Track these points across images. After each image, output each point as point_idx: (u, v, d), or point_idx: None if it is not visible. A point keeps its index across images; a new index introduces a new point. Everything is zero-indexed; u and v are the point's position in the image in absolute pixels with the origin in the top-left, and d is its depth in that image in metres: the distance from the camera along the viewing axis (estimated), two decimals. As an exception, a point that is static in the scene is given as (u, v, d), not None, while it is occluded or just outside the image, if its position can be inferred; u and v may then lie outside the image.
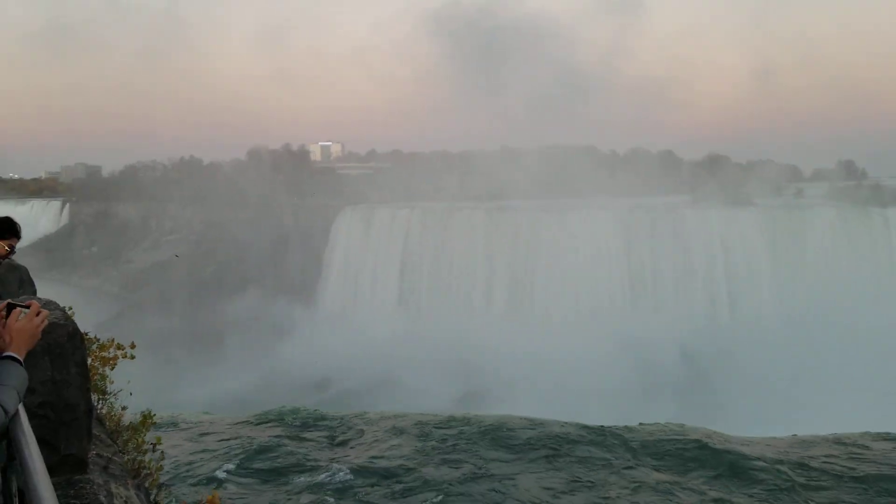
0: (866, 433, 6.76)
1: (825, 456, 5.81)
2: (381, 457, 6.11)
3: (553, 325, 41.67)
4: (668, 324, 41.06)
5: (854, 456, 5.85)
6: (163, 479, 4.80)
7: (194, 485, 5.92)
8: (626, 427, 6.83)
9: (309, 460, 6.10)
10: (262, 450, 6.40)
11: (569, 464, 5.79)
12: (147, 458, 4.35)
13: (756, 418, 26.26)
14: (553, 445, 6.28)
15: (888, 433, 6.59)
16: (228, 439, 6.83)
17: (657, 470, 5.72)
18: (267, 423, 7.40)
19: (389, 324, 44.75)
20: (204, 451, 6.80)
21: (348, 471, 5.76)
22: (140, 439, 4.53)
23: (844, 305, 39.35)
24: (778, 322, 40.11)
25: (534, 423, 7.00)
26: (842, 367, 32.95)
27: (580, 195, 50.62)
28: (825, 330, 37.46)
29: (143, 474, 4.23)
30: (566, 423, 6.81)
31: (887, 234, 43.01)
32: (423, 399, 35.06)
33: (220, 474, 6.12)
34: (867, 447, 6.12)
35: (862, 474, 5.44)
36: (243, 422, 7.45)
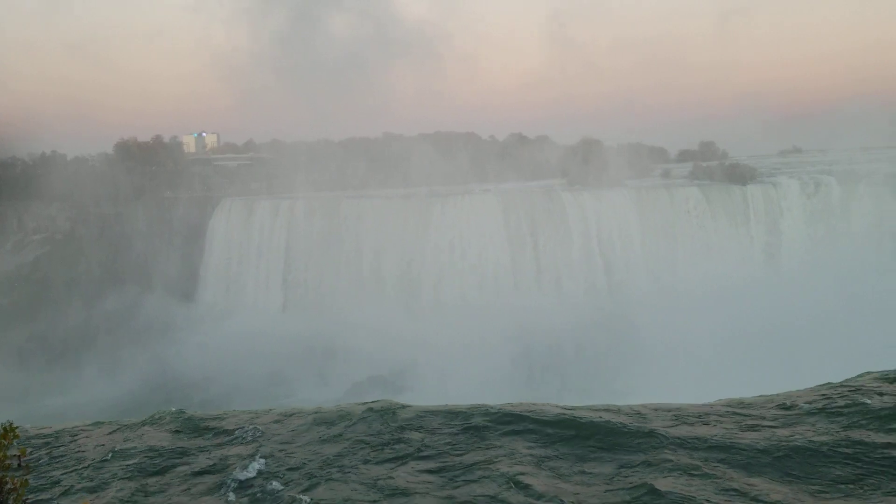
0: (725, 399, 7.25)
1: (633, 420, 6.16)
2: (277, 455, 5.99)
3: (442, 311, 42.18)
4: (551, 302, 42.57)
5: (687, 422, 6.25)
6: (29, 495, 4.51)
7: (69, 497, 5.61)
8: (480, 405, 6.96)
9: (195, 463, 5.89)
10: (144, 455, 6.14)
11: (421, 449, 5.88)
12: (10, 474, 4.05)
13: (637, 387, 27.69)
14: (425, 430, 6.35)
15: (741, 399, 7.09)
16: (104, 445, 6.50)
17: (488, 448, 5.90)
18: (147, 426, 7.10)
19: (275, 318, 43.89)
20: (79, 460, 6.45)
21: (240, 472, 5.61)
22: (2, 454, 4.21)
23: (710, 274, 42.22)
24: (652, 295, 42.45)
25: (423, 411, 7.06)
26: (710, 328, 35.15)
27: (463, 181, 51.31)
28: (695, 298, 40.02)
29: (5, 491, 3.95)
30: (435, 408, 6.90)
31: (745, 209, 46.39)
32: (314, 391, 34.73)
33: (97, 483, 5.83)
34: (710, 413, 6.56)
35: (689, 436, 5.79)
36: (121, 426, 7.10)
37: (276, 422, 6.87)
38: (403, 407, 6.82)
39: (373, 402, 6.92)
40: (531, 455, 5.62)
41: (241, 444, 6.42)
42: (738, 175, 49.86)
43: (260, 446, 6.26)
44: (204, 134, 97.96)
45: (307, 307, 44.74)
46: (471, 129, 65.18)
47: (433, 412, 6.60)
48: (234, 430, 6.77)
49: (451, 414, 6.68)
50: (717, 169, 53.26)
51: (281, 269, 47.47)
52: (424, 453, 5.88)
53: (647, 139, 64.35)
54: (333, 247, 46.25)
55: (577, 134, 59.87)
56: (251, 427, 6.75)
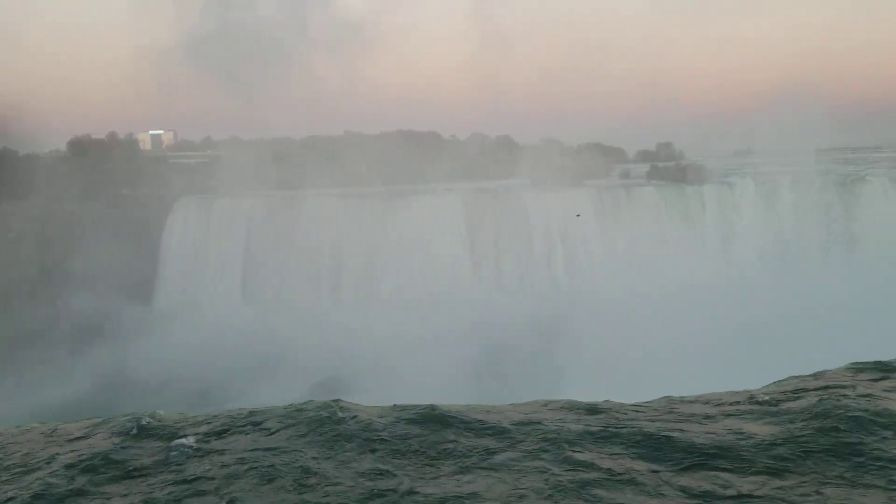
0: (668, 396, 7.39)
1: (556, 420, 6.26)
2: (241, 458, 5.91)
3: (403, 309, 42.19)
4: (512, 301, 42.93)
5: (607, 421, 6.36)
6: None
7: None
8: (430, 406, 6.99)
9: (139, 468, 5.81)
10: (88, 461, 6.02)
11: (366, 450, 5.90)
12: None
13: (596, 385, 27.97)
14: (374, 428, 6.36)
15: (683, 396, 7.21)
16: (45, 451, 6.36)
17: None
18: (102, 431, 6.97)
19: (235, 318, 43.37)
20: (25, 467, 6.30)
21: (200, 477, 5.54)
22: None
23: (668, 273, 42.98)
24: (612, 294, 43.04)
25: (383, 410, 7.06)
26: (667, 327, 35.79)
27: (425, 180, 51.39)
28: (653, 296, 40.71)
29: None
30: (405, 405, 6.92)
31: (702, 208, 47.33)
32: (274, 392, 34.43)
33: (34, 492, 5.69)
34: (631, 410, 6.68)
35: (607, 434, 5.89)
36: (66, 431, 6.95)
37: (232, 425, 6.81)
38: (350, 407, 6.81)
39: (320, 401, 6.90)
40: (472, 457, 5.67)
41: (192, 448, 6.34)
42: (695, 175, 50.86)
43: (209, 450, 6.18)
44: (161, 132, 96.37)
45: (267, 307, 44.31)
46: (433, 129, 65.28)
47: (381, 412, 6.61)
48: (186, 433, 6.68)
49: (399, 413, 6.69)
50: (674, 169, 54.24)
51: (240, 269, 46.98)
52: (369, 455, 5.89)
53: (606, 140, 65.19)
54: (293, 246, 45.92)
55: (537, 134, 60.30)
56: (204, 430, 6.68)
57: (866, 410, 6.32)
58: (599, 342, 36.16)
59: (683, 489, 5.07)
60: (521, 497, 4.97)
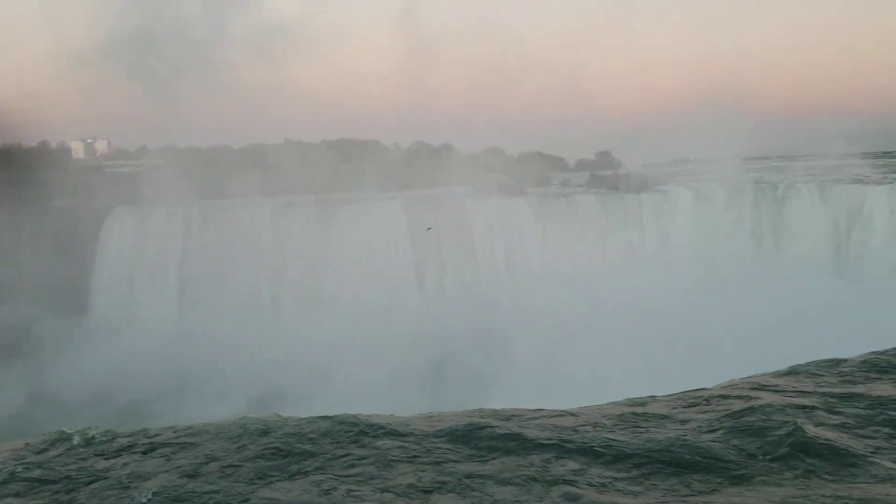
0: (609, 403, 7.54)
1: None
2: (173, 480, 5.78)
3: (345, 318, 41.84)
4: (455, 310, 43.01)
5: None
6: None
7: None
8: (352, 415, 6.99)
9: (77, 486, 5.63)
10: (12, 483, 5.81)
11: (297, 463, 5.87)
12: None
13: (535, 394, 28.24)
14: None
15: (630, 399, 7.35)
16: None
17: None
18: (30, 451, 6.71)
19: (171, 330, 42.35)
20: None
21: (130, 491, 5.37)
22: None
23: (607, 281, 43.73)
24: (553, 302, 43.54)
25: (304, 422, 6.99)
26: (607, 335, 36.33)
27: (367, 189, 51.16)
28: (593, 305, 41.32)
29: None
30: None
31: (639, 216, 48.36)
32: (213, 405, 33.74)
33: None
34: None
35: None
36: (6, 452, 6.68)
37: (169, 439, 6.65)
38: (282, 419, 6.73)
39: (254, 417, 6.81)
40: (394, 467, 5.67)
41: (134, 466, 6.17)
42: (633, 183, 51.95)
43: (141, 466, 6.02)
44: (94, 140, 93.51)
45: (205, 318, 43.37)
46: (374, 137, 65.13)
47: (310, 423, 6.55)
48: (116, 450, 6.50)
49: (330, 424, 6.64)
50: (613, 178, 55.25)
51: (177, 280, 45.90)
52: (299, 468, 5.82)
53: (547, 149, 65.99)
54: (231, 256, 45.10)
55: (479, 143, 60.67)
56: (148, 445, 6.51)
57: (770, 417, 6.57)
58: (540, 351, 36.51)
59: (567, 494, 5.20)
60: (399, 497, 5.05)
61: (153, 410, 33.37)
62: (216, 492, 5.43)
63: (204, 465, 5.95)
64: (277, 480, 5.46)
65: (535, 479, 5.33)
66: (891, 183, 47.35)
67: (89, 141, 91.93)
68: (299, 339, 38.72)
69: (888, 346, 9.45)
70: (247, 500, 5.31)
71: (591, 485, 5.26)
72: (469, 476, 5.44)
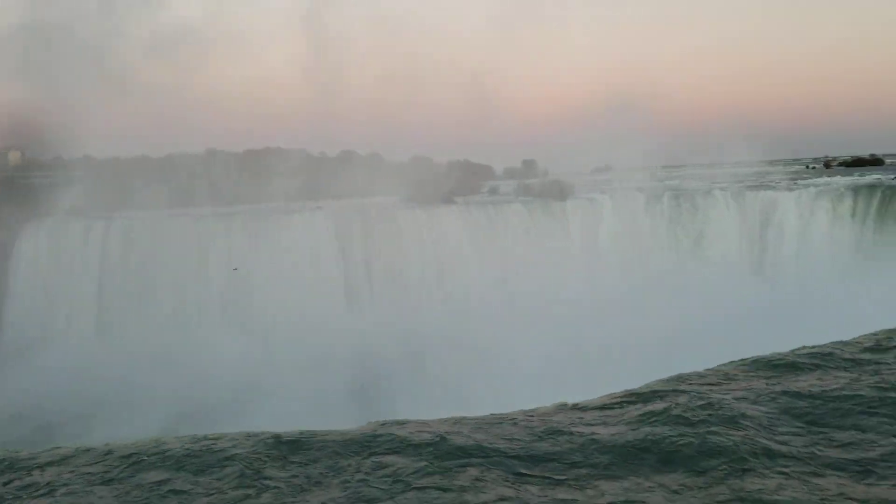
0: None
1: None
2: (84, 495, 5.50)
3: (272, 334, 41.03)
4: (386, 321, 42.72)
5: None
6: None
7: None
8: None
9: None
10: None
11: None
12: None
13: (468, 401, 28.28)
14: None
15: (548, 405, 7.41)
16: None
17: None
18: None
19: (89, 348, 40.66)
20: None
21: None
22: None
23: (536, 289, 44.29)
24: (483, 311, 43.80)
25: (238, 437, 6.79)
26: (535, 340, 36.73)
27: (294, 199, 50.37)
28: (523, 311, 41.78)
29: None
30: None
31: (565, 223, 49.28)
32: (133, 424, 32.50)
33: None
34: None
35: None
36: None
37: (77, 461, 6.34)
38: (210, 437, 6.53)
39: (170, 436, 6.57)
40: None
41: (41, 490, 5.85)
42: (559, 191, 52.88)
43: (50, 489, 5.72)
44: (6, 151, 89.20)
45: (125, 335, 41.81)
46: (301, 146, 64.19)
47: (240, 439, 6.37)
48: (35, 473, 6.16)
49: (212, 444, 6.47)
50: (540, 186, 56.14)
51: (95, 295, 44.10)
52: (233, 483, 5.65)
53: (475, 157, 66.48)
54: (153, 269, 43.62)
55: (407, 151, 60.59)
56: (57, 468, 6.18)
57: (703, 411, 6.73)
58: (468, 360, 36.55)
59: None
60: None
61: (68, 431, 31.87)
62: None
63: (113, 487, 5.69)
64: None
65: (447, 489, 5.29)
66: (800, 189, 49.61)
67: (2, 151, 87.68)
68: (224, 355, 37.72)
69: (801, 345, 9.85)
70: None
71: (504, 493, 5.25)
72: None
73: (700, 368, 9.62)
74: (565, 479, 5.48)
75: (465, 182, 56.60)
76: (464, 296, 45.23)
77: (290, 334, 40.00)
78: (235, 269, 42.38)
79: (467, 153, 65.70)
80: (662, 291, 43.21)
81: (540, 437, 6.30)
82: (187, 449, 6.14)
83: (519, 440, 6.24)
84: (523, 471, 5.61)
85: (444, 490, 5.24)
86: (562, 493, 5.19)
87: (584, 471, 5.55)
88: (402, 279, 45.54)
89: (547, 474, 5.57)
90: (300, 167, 55.22)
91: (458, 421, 7.15)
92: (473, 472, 5.60)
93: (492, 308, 42.91)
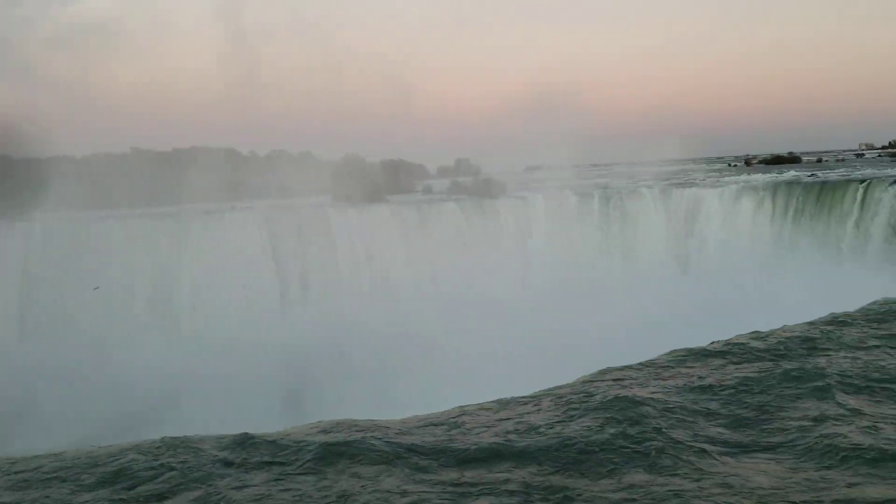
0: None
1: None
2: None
3: (203, 338, 40.00)
4: (319, 323, 42.21)
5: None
6: None
7: None
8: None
9: None
10: None
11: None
12: None
13: (396, 401, 28.25)
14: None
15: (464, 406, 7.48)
16: None
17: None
18: None
19: (10, 352, 38.87)
20: None
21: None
22: None
23: (470, 287, 44.48)
24: (419, 310, 43.73)
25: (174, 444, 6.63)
26: (467, 338, 36.84)
27: (223, 199, 49.28)
28: (455, 310, 41.86)
29: None
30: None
31: (498, 221, 49.73)
32: (58, 432, 31.26)
33: None
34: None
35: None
36: None
37: (14, 473, 6.09)
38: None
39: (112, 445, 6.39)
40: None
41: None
42: (491, 190, 53.34)
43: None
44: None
45: (49, 339, 40.12)
46: (230, 145, 62.86)
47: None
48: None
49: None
50: (473, 184, 56.49)
51: (17, 299, 42.17)
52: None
53: (408, 156, 66.48)
54: (77, 272, 41.98)
55: (339, 150, 60.03)
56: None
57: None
58: (403, 361, 36.43)
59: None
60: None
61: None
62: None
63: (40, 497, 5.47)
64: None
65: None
66: (723, 186, 51.34)
67: None
68: (156, 362, 36.63)
69: (723, 337, 10.22)
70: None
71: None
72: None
73: (628, 362, 9.87)
74: (486, 473, 5.53)
75: (398, 181, 56.53)
76: (396, 296, 45.10)
77: (221, 338, 39.11)
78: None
79: (401, 152, 65.73)
80: (592, 288, 44.05)
81: (465, 433, 6.36)
82: (92, 460, 5.95)
83: (441, 437, 6.27)
84: (425, 463, 5.64)
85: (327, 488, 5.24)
86: (474, 484, 5.24)
87: (508, 464, 5.61)
88: (336, 280, 45.11)
89: (462, 468, 5.62)
90: (228, 166, 54.11)
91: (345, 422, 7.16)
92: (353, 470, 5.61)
93: (424, 308, 42.90)
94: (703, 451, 5.90)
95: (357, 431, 6.43)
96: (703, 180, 58.77)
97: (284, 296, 44.21)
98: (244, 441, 6.24)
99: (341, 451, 6.11)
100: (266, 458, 6.08)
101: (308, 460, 6.02)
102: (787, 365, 8.58)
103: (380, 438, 6.24)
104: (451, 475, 5.47)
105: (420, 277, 45.91)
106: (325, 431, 6.72)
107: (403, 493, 5.20)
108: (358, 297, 44.85)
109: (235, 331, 39.88)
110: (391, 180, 55.29)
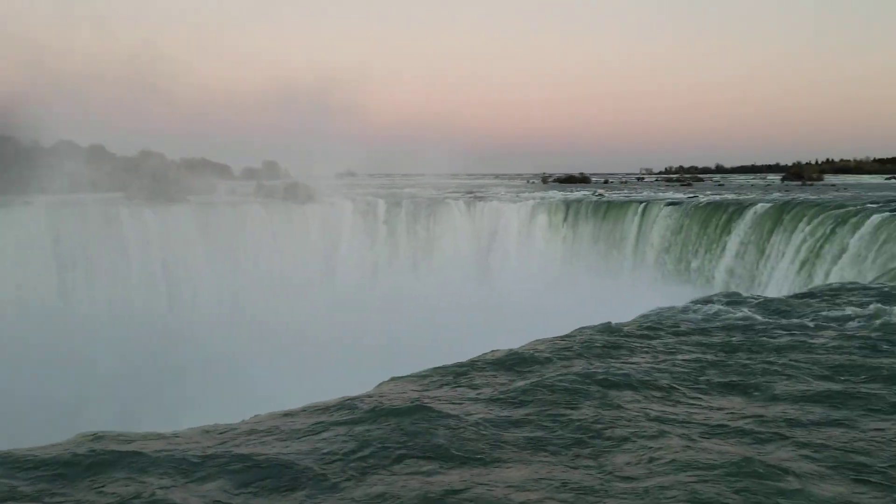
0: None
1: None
2: None
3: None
4: (109, 327, 39.23)
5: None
6: None
7: None
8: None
9: None
10: None
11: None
12: None
13: (182, 414, 26.93)
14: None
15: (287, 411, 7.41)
16: None
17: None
18: None
19: None
20: None
21: None
22: None
23: (272, 294, 43.50)
24: (216, 311, 42.06)
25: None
26: (264, 348, 35.94)
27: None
28: (258, 314, 40.74)
29: None
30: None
31: (305, 227, 49.18)
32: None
33: None
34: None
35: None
36: None
37: None
38: None
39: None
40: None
41: None
42: (300, 194, 52.55)
43: None
44: None
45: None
46: (8, 133, 56.73)
47: None
48: None
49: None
50: (281, 188, 55.31)
51: None
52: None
53: (212, 155, 63.85)
54: None
55: (134, 145, 56.18)
56: None
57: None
58: (192, 370, 34.80)
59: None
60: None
61: None
62: None
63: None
64: None
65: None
66: (521, 202, 54.35)
67: None
68: None
69: (523, 343, 10.87)
70: None
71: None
72: None
73: (416, 370, 10.17)
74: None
75: (199, 180, 53.98)
76: (192, 301, 43.09)
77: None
78: None
79: (204, 151, 62.92)
80: (397, 294, 44.84)
81: (241, 444, 6.26)
82: None
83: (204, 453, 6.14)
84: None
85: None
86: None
87: (267, 482, 5.62)
88: (125, 285, 42.15)
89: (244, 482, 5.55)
90: (6, 157, 48.87)
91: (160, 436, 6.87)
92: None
93: (225, 316, 41.36)
94: (493, 453, 6.23)
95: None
96: (504, 195, 61.86)
97: (67, 303, 40.58)
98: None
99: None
100: None
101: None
102: (565, 370, 9.19)
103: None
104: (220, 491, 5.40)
105: (221, 284, 44.18)
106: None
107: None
108: (151, 307, 42.18)
109: (12, 338, 35.99)
110: (192, 180, 52.66)
